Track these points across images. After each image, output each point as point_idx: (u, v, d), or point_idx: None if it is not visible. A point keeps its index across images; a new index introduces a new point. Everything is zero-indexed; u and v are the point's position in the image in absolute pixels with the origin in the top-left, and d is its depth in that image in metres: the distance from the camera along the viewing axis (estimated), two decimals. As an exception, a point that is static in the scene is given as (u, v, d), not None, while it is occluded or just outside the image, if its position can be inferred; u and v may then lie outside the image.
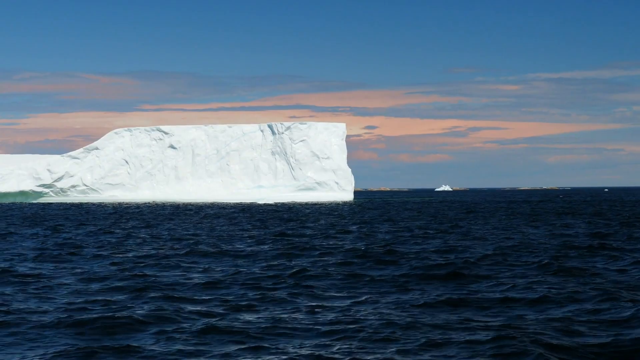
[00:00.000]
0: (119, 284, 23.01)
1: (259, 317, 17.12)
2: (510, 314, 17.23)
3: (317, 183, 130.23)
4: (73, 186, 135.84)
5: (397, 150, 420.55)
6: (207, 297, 20.37)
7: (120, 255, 32.12)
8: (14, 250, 34.97)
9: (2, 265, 28.47)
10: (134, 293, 21.19)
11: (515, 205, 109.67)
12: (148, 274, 25.60)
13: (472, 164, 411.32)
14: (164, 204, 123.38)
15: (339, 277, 23.96)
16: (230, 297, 20.25)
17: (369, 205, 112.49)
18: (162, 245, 37.29)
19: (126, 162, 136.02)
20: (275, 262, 28.91)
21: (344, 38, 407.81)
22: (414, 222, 60.57)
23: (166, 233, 46.79)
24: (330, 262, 28.42)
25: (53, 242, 39.59)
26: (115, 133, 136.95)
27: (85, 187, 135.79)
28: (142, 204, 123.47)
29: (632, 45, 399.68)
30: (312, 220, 62.89)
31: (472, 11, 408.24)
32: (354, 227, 52.02)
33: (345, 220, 62.18)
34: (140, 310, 17.93)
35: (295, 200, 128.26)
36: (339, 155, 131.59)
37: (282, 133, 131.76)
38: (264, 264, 28.35)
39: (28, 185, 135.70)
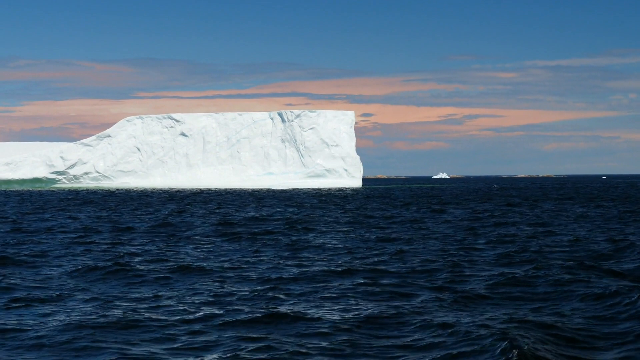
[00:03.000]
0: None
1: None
2: None
3: (327, 170, 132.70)
4: (86, 173, 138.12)
5: (393, 137, 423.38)
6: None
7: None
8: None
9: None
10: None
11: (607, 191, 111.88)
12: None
13: (468, 152, 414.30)
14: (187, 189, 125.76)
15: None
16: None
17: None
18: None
19: (138, 149, 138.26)
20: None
21: (340, 25, 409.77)
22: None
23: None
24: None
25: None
26: (127, 121, 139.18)
27: (97, 174, 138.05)
28: (168, 190, 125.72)
29: (628, 33, 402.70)
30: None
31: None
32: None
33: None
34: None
35: (305, 187, 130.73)
36: (348, 142, 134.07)
37: (292, 121, 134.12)
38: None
39: (41, 172, 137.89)
